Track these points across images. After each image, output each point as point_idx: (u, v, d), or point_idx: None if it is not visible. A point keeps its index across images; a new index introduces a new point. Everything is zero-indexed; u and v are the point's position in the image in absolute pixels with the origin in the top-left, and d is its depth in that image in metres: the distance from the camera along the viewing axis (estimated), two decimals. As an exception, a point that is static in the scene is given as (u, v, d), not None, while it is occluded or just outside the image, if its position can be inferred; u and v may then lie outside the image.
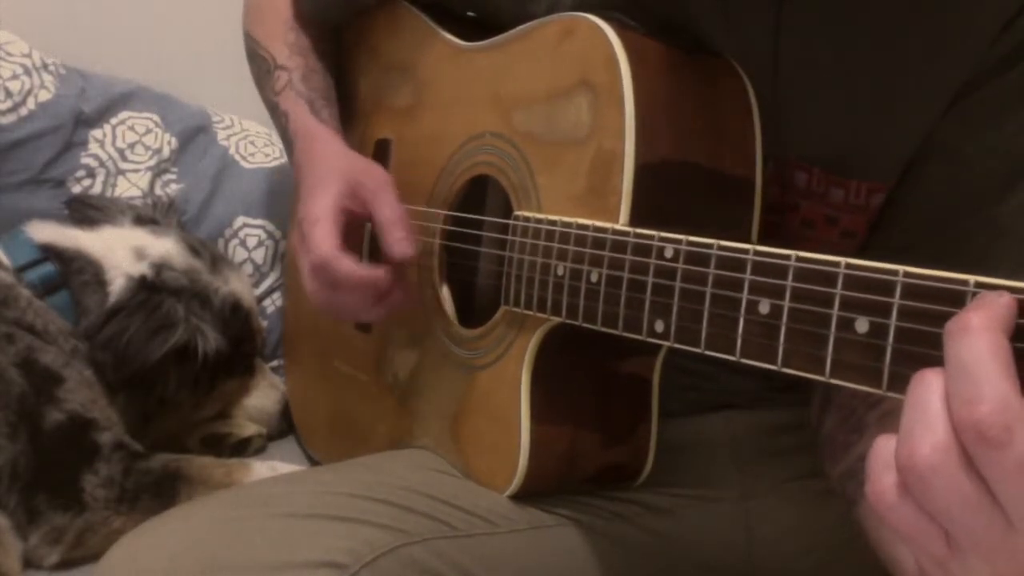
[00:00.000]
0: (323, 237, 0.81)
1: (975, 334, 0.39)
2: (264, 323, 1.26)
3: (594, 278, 0.66)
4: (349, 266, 0.81)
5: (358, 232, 0.87)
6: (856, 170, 0.73)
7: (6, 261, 1.05)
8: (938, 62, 0.69)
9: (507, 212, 0.77)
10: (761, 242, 0.76)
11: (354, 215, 0.84)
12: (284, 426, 1.20)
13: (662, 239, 0.60)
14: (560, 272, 0.69)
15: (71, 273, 1.06)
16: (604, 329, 0.65)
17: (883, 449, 0.43)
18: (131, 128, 1.30)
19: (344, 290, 0.82)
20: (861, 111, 0.72)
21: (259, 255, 1.30)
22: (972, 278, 0.42)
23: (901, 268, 0.45)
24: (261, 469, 1.04)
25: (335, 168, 0.87)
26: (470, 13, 0.92)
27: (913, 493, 0.41)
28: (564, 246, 0.69)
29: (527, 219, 0.73)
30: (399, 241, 0.80)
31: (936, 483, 0.40)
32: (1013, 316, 0.40)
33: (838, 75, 0.72)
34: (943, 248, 0.70)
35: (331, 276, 0.81)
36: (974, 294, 0.42)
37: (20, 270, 1.04)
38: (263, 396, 1.19)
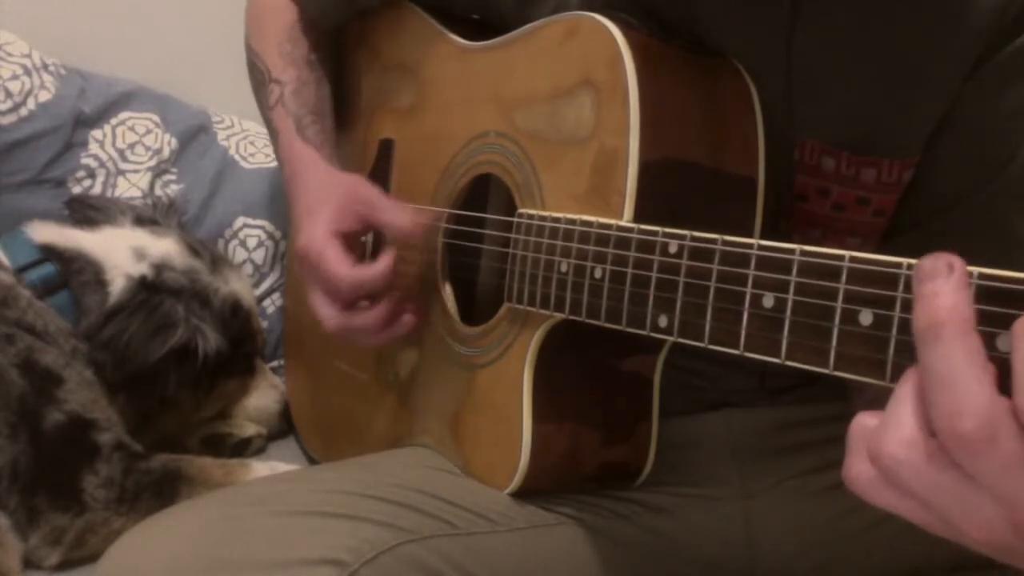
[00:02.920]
0: (336, 260, 0.81)
1: (947, 343, 0.39)
2: (264, 323, 1.26)
3: (598, 274, 0.66)
4: (376, 271, 0.81)
5: (354, 250, 0.87)
6: (885, 149, 0.74)
7: (6, 262, 1.05)
8: (954, 35, 0.70)
9: (510, 211, 0.77)
10: (792, 229, 0.77)
11: (350, 233, 0.84)
12: (284, 426, 1.20)
13: (666, 235, 0.60)
14: (564, 269, 0.69)
15: (71, 273, 1.06)
16: (608, 325, 0.65)
17: (857, 432, 0.43)
18: (131, 128, 1.30)
19: (361, 312, 0.83)
20: (882, 92, 0.73)
21: (259, 255, 1.30)
22: (976, 270, 0.42)
23: (905, 261, 0.46)
24: (261, 469, 1.04)
25: (320, 196, 0.87)
26: (474, 16, 0.92)
27: (885, 480, 0.42)
28: (568, 243, 0.69)
29: (531, 216, 0.73)
30: (408, 222, 0.81)
31: (904, 475, 0.41)
32: (974, 303, 0.40)
33: (855, 59, 0.72)
34: (970, 217, 0.71)
35: (359, 291, 0.82)
36: (978, 286, 0.41)
37: (20, 270, 1.04)
38: (263, 396, 1.19)
